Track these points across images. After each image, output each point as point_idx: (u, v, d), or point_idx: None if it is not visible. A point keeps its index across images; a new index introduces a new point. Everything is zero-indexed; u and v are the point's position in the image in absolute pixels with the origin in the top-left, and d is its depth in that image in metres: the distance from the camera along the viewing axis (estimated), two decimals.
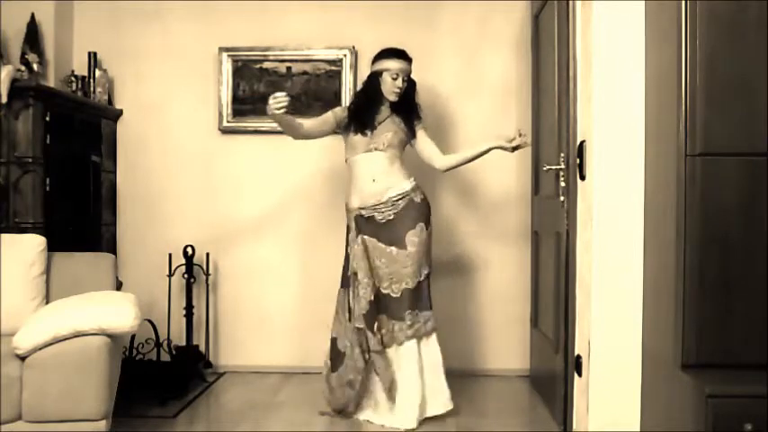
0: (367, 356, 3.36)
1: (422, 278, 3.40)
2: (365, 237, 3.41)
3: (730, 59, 2.26)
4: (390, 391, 3.36)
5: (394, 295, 3.37)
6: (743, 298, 2.26)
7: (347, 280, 3.48)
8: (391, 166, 3.46)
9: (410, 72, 3.51)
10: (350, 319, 3.42)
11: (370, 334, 3.35)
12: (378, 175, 3.43)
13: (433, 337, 3.45)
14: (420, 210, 3.44)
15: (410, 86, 3.52)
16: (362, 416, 3.47)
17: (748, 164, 2.26)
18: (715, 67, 2.26)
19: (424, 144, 3.58)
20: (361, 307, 3.37)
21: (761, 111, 2.25)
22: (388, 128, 3.48)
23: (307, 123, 3.49)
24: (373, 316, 3.36)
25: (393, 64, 3.45)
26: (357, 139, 3.47)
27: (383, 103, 3.50)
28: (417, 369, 3.36)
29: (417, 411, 3.34)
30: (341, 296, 3.52)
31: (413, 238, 3.38)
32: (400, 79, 3.45)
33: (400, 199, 3.42)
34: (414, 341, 3.37)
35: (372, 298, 3.37)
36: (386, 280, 3.38)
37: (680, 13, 2.28)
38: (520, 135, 3.41)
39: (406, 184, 3.46)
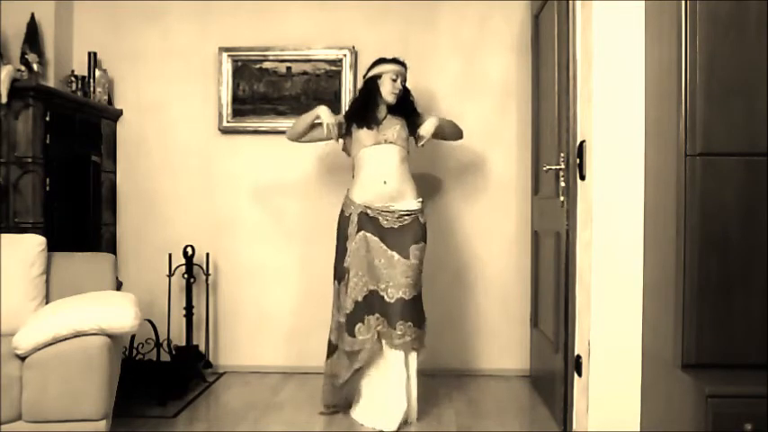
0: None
1: (417, 293, 3.37)
2: (367, 234, 3.39)
3: (730, 59, 2.26)
4: (343, 388, 3.43)
5: (388, 300, 3.34)
6: (743, 298, 2.26)
7: (339, 273, 3.49)
8: (402, 166, 3.45)
9: (406, 77, 3.56)
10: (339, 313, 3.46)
11: (346, 335, 3.36)
12: (389, 176, 3.42)
13: (414, 354, 3.40)
14: (423, 230, 3.45)
15: (406, 92, 3.57)
16: (352, 413, 3.49)
17: (748, 164, 2.27)
18: (715, 67, 2.26)
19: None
20: (347, 306, 3.38)
21: (761, 111, 2.25)
22: (394, 122, 3.50)
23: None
24: (357, 317, 3.35)
25: (391, 67, 3.52)
26: (363, 133, 3.47)
27: (381, 105, 3.53)
28: (403, 375, 3.33)
29: (400, 416, 3.31)
30: (335, 289, 3.53)
31: (416, 251, 3.37)
32: (399, 81, 3.50)
33: (407, 215, 3.42)
34: (401, 351, 3.35)
35: (361, 299, 3.36)
36: (383, 282, 3.35)
37: (680, 13, 2.28)
38: None
39: (416, 204, 3.46)
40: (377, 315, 3.33)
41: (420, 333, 3.38)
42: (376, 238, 3.38)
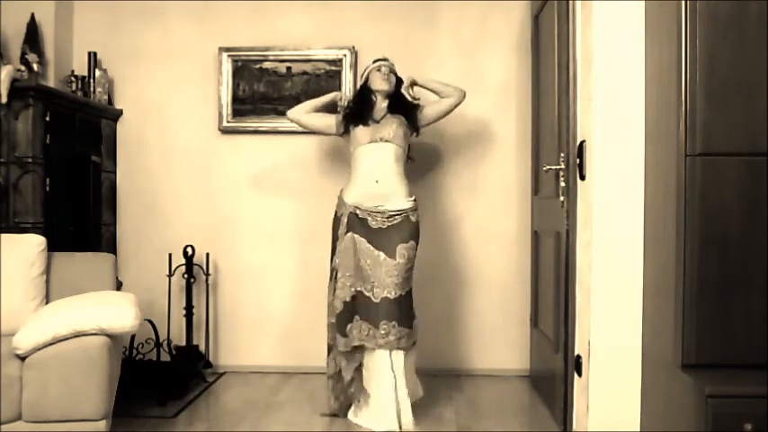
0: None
1: (403, 293, 3.36)
2: (355, 235, 3.40)
3: (730, 59, 2.26)
4: (348, 389, 3.39)
5: (374, 300, 3.34)
6: (743, 298, 2.26)
7: (331, 273, 3.50)
8: (396, 166, 3.46)
9: (393, 68, 3.58)
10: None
11: (338, 335, 3.36)
12: (382, 175, 3.43)
13: (400, 354, 3.36)
14: (414, 229, 3.44)
15: (400, 83, 3.61)
16: (348, 414, 3.49)
17: (748, 164, 2.27)
18: (715, 67, 2.26)
19: (432, 105, 3.63)
20: (336, 307, 3.38)
21: (761, 111, 2.25)
22: (392, 120, 3.51)
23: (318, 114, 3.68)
24: (347, 317, 3.35)
25: (374, 64, 3.59)
26: (360, 130, 3.49)
27: (379, 104, 3.56)
28: (391, 376, 3.33)
29: (393, 415, 3.30)
30: (329, 289, 3.54)
31: (403, 251, 3.36)
32: (384, 68, 3.54)
33: (397, 215, 3.42)
34: (386, 351, 3.34)
35: (349, 299, 3.36)
36: (368, 282, 3.36)
37: (680, 13, 2.28)
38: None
39: (407, 203, 3.46)
40: (358, 317, 3.34)
41: (406, 332, 3.35)
42: (363, 239, 3.38)
